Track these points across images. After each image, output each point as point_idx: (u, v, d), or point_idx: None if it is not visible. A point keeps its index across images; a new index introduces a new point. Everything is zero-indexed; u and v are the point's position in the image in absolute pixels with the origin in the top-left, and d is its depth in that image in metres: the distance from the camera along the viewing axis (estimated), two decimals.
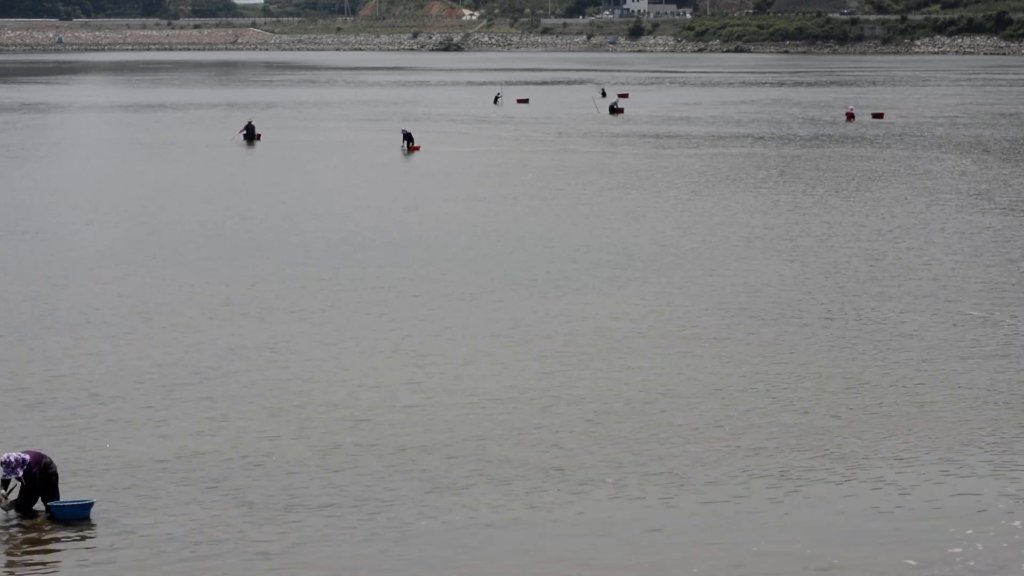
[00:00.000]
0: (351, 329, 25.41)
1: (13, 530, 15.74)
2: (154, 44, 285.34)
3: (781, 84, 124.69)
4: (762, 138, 67.21)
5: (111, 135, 71.78)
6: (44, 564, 14.94)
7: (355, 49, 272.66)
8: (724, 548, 15.10)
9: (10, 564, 14.87)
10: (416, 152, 60.21)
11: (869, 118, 79.15)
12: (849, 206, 41.59)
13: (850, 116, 79.12)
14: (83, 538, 15.46)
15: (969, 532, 15.45)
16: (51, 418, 19.87)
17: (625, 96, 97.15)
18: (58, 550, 15.24)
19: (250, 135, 65.87)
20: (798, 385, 21.53)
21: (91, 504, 16.13)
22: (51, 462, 16.32)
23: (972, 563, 14.62)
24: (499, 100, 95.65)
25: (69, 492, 16.61)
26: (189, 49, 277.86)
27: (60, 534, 15.60)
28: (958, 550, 14.95)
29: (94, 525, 15.77)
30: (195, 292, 28.86)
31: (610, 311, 26.83)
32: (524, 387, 21.43)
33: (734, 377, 21.95)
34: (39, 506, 16.27)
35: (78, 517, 15.96)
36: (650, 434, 19.05)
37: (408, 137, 61.75)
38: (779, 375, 22.09)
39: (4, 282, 30.07)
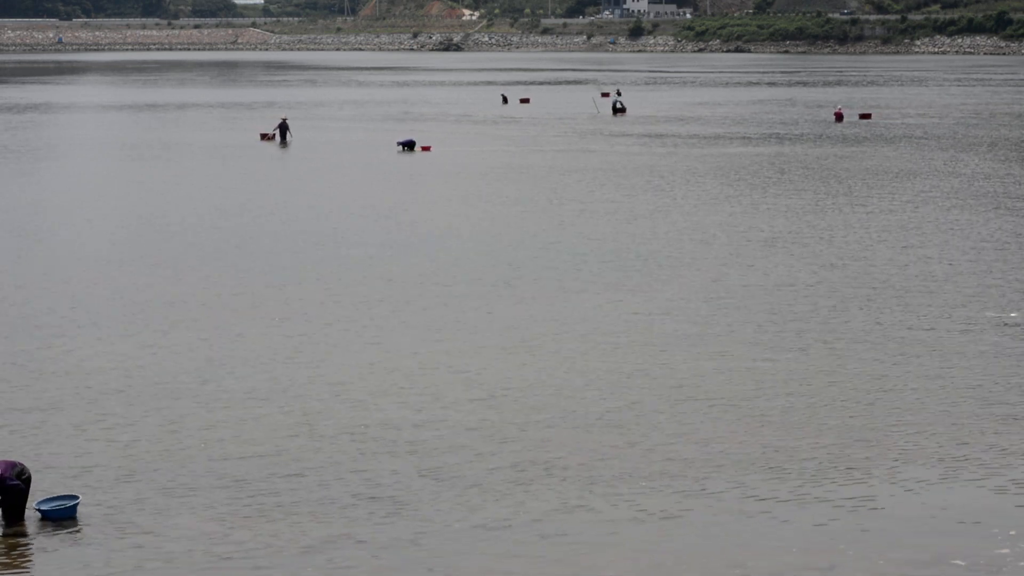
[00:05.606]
0: (367, 332, 25.40)
1: None
2: (154, 44, 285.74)
3: (780, 84, 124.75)
4: (760, 138, 67.27)
5: (130, 136, 71.37)
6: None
7: (355, 49, 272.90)
8: (728, 550, 15.05)
9: None
10: (427, 152, 60.16)
11: (856, 119, 79.32)
12: (848, 206, 41.68)
13: (839, 116, 79.20)
14: (80, 543, 15.34)
15: (1012, 533, 15.45)
16: (60, 420, 19.70)
17: (607, 96, 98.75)
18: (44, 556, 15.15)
19: (283, 133, 65.92)
20: (819, 386, 21.46)
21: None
22: (9, 476, 15.47)
23: (1023, 564, 14.63)
24: (508, 100, 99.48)
25: (85, 495, 16.43)
26: (189, 49, 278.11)
27: (42, 537, 15.46)
28: (1006, 551, 14.96)
29: (93, 528, 15.56)
30: (223, 294, 28.91)
31: (627, 312, 26.81)
32: (533, 387, 21.33)
33: (746, 378, 21.84)
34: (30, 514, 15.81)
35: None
36: (654, 435, 18.94)
37: (408, 144, 61.47)
38: (797, 376, 22.03)
39: (38, 284, 30.08)
